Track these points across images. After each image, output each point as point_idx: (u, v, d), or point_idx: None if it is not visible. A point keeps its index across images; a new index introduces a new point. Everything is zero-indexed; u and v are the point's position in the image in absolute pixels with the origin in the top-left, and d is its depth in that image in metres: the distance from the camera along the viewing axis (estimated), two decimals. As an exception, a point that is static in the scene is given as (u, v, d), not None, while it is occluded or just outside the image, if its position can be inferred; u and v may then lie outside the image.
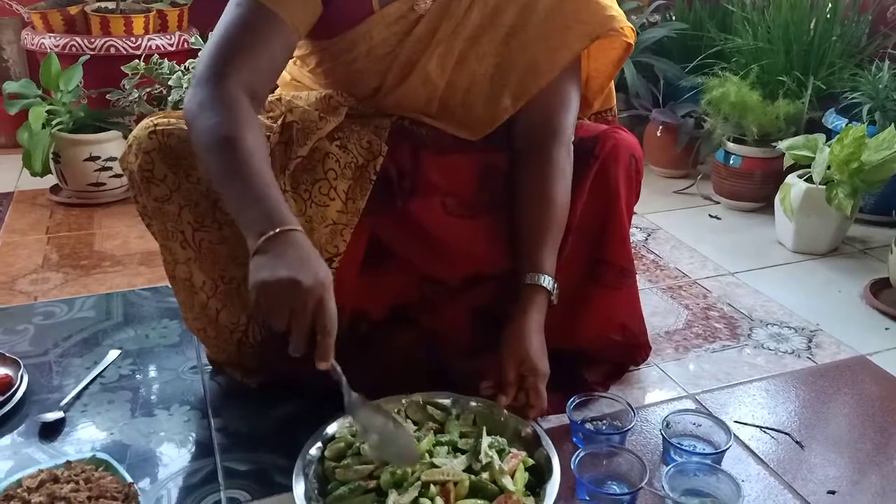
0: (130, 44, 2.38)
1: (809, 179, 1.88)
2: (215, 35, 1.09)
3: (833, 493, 1.11)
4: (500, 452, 1.04)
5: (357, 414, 1.02)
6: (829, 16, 2.22)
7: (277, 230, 0.94)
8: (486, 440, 1.05)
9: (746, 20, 2.37)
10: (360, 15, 1.17)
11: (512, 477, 1.01)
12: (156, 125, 1.12)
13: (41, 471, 1.04)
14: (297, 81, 1.32)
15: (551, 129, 1.23)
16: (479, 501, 0.97)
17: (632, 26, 1.24)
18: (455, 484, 0.98)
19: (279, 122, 1.18)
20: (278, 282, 0.90)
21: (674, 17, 2.67)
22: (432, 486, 0.97)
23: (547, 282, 1.17)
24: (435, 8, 1.18)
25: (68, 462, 1.06)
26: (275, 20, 1.08)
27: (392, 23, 1.17)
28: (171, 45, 2.45)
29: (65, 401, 1.26)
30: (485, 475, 1.00)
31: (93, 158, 2.10)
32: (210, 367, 1.36)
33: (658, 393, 1.35)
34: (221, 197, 1.03)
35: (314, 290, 0.91)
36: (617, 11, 1.22)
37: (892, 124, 1.82)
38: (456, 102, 1.25)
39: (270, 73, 1.13)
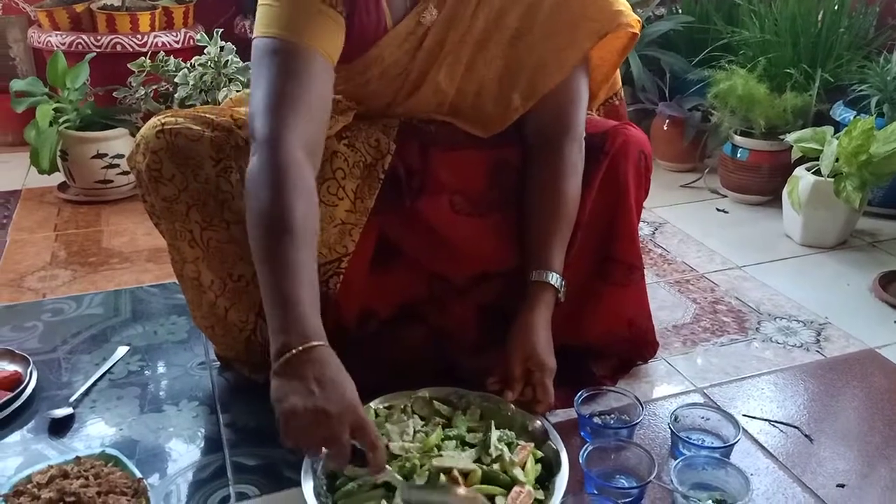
0: (136, 41, 2.38)
1: (817, 172, 1.87)
2: (260, 90, 1.03)
3: (842, 486, 1.11)
4: (509, 445, 1.04)
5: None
6: (836, 8, 2.20)
7: (304, 347, 0.90)
8: (495, 433, 1.05)
9: (753, 12, 2.36)
10: (375, 35, 1.15)
11: (522, 469, 1.01)
12: (163, 124, 1.12)
13: (51, 466, 1.04)
14: None
15: (562, 125, 1.23)
16: (493, 488, 0.97)
17: (638, 18, 1.23)
18: (466, 476, 0.98)
19: None
20: (305, 411, 0.87)
21: (680, 10, 2.65)
22: (442, 476, 0.97)
23: (555, 279, 1.17)
24: (441, 19, 1.17)
25: (78, 458, 1.07)
26: (314, 57, 1.04)
27: (402, 41, 1.17)
28: (177, 43, 2.45)
29: (74, 397, 1.27)
30: (496, 466, 1.00)
31: (100, 156, 2.11)
32: (218, 363, 1.37)
33: (666, 387, 1.35)
34: (258, 273, 0.97)
35: (344, 416, 0.89)
36: (624, 5, 1.22)
37: (901, 116, 1.81)
38: (466, 106, 1.24)
39: (323, 119, 1.08)
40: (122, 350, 1.41)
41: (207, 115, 1.15)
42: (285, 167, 0.98)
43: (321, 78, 1.06)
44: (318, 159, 1.07)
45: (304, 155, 1.01)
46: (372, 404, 1.12)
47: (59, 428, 1.21)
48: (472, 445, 1.05)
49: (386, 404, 1.13)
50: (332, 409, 0.88)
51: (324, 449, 0.91)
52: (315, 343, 0.91)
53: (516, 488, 0.97)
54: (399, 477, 0.97)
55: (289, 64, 1.03)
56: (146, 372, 1.36)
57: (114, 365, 1.37)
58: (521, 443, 1.05)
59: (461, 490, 0.96)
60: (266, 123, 1.01)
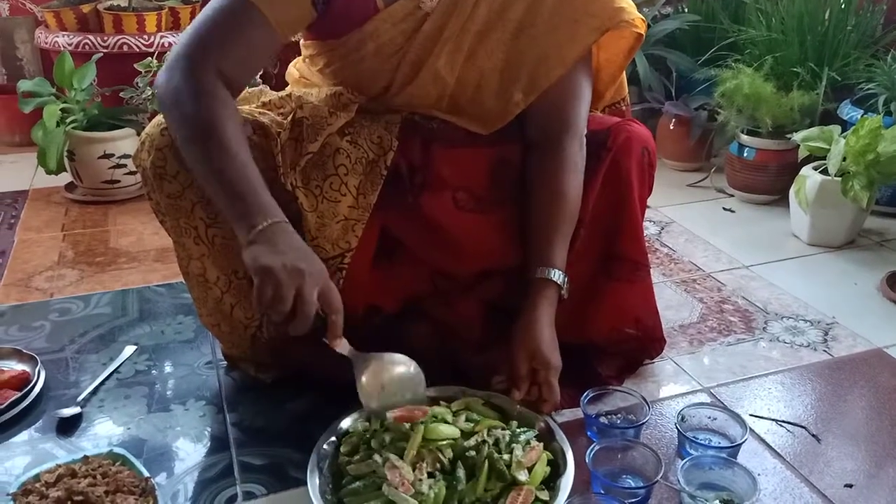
0: (143, 41, 2.39)
1: (825, 171, 1.86)
2: (197, 20, 1.09)
3: (850, 486, 1.11)
4: (518, 441, 1.04)
5: (366, 367, 1.06)
6: (843, 6, 2.19)
7: (269, 221, 0.98)
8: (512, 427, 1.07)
9: (760, 11, 2.35)
10: (364, 15, 1.16)
11: (530, 469, 1.00)
12: (168, 123, 1.13)
13: (59, 465, 1.04)
14: (307, 79, 1.32)
15: (563, 121, 1.23)
16: (487, 484, 0.98)
17: (642, 17, 1.23)
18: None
19: (289, 118, 1.18)
20: (283, 267, 0.95)
21: (686, 9, 2.65)
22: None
23: (557, 276, 1.17)
24: (442, 5, 1.17)
25: (85, 457, 1.07)
26: (258, 16, 1.08)
27: (399, 21, 1.17)
28: (184, 43, 2.45)
29: (81, 396, 1.27)
30: (506, 457, 1.00)
31: (107, 156, 2.12)
32: (225, 362, 1.37)
33: (673, 387, 1.34)
34: (204, 186, 1.05)
35: (318, 275, 0.98)
36: (626, 2, 1.21)
37: (909, 115, 1.80)
38: (466, 98, 1.24)
39: (248, 65, 1.13)
40: (129, 349, 1.41)
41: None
42: (206, 90, 1.04)
43: (258, 36, 1.09)
44: (235, 95, 1.11)
45: (222, 86, 1.06)
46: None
47: (67, 427, 1.21)
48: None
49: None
50: (306, 267, 0.96)
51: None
52: (279, 219, 1.00)
53: (513, 493, 0.97)
54: (354, 350, 1.05)
55: (231, 7, 1.08)
56: (153, 371, 1.36)
57: (121, 364, 1.37)
58: (534, 442, 1.05)
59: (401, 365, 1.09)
60: (190, 46, 1.06)
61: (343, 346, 1.04)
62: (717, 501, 1.02)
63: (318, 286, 0.97)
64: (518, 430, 1.06)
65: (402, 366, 1.10)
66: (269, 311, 0.96)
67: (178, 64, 1.05)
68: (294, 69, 1.37)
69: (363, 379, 1.05)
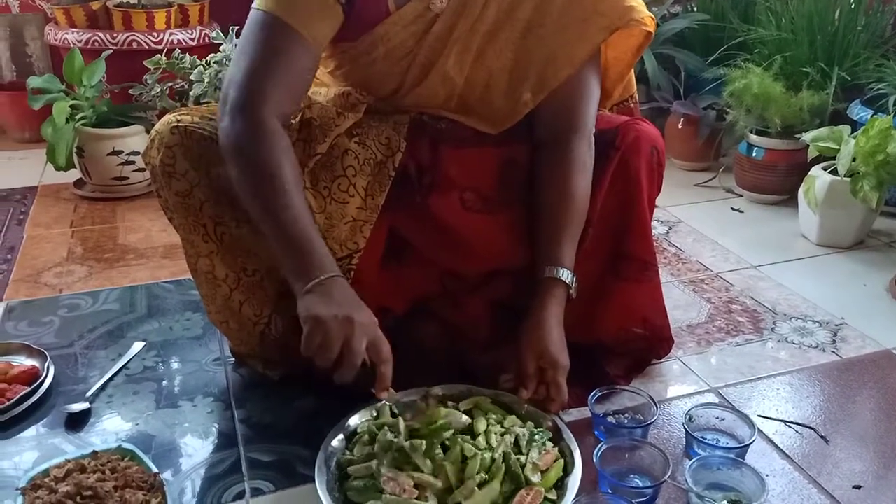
0: (152, 38, 2.39)
1: (834, 171, 1.85)
2: (242, 60, 1.09)
3: (859, 487, 1.10)
4: (538, 444, 1.04)
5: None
6: (853, 6, 2.18)
7: (326, 276, 1.02)
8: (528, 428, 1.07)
9: (770, 10, 2.34)
10: (376, 17, 1.16)
11: (543, 472, 1.00)
12: (178, 121, 1.13)
13: (68, 461, 1.05)
14: (317, 79, 1.32)
15: (572, 121, 1.23)
16: (496, 486, 0.97)
17: (651, 15, 1.22)
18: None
19: (297, 118, 1.19)
20: (334, 317, 0.98)
21: (695, 8, 2.64)
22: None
23: (566, 275, 1.17)
24: (451, 6, 1.17)
25: (94, 452, 1.08)
26: (300, 40, 1.09)
27: (409, 23, 1.17)
28: (193, 40, 2.46)
29: (90, 392, 1.28)
30: (522, 458, 1.01)
31: (116, 153, 2.12)
32: (233, 359, 1.37)
33: (680, 387, 1.34)
34: (263, 231, 1.07)
35: (368, 326, 1.01)
36: (636, 1, 1.21)
37: (919, 115, 1.79)
38: (475, 98, 1.24)
39: (300, 92, 1.15)
40: (137, 346, 1.42)
41: (222, 114, 1.15)
42: (266, 128, 1.06)
43: (304, 60, 1.12)
44: (289, 127, 1.14)
45: (281, 126, 1.09)
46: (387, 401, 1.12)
47: (76, 422, 1.22)
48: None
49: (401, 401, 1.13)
50: (356, 317, 0.99)
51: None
52: (336, 274, 1.04)
53: (523, 492, 0.97)
54: (400, 401, 1.07)
55: (276, 41, 1.09)
56: (162, 368, 1.37)
57: (130, 360, 1.38)
58: (549, 446, 1.05)
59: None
60: (244, 91, 1.07)
61: (390, 398, 1.06)
62: (725, 502, 1.02)
63: (367, 337, 1.00)
64: (535, 431, 1.06)
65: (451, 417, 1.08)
66: (316, 358, 0.98)
67: (238, 111, 1.06)
68: None
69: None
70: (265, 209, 1.05)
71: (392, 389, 1.04)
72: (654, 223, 1.94)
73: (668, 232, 2.00)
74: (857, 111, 2.06)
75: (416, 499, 0.94)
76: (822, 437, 1.21)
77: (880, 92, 2.02)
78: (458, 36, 1.18)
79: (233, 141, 1.06)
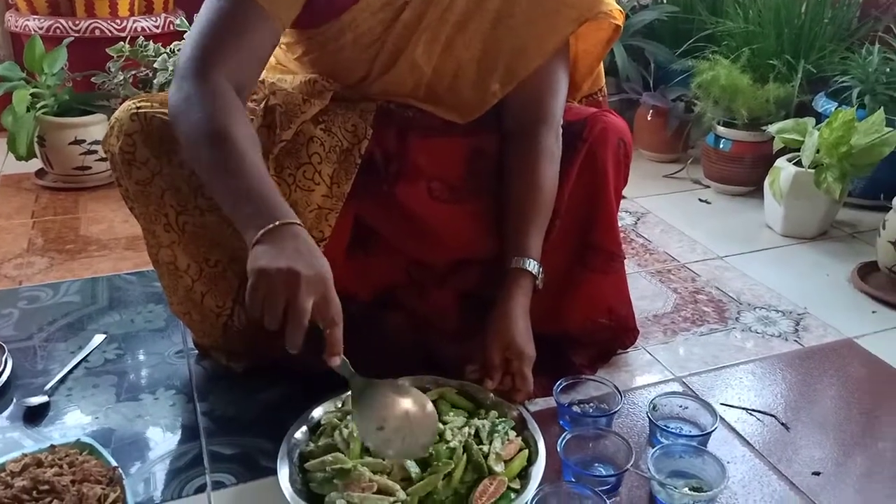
0: (115, 26, 2.35)
1: (799, 163, 1.88)
2: (198, 27, 1.06)
3: (818, 474, 1.12)
4: (500, 433, 1.04)
5: (369, 399, 0.99)
6: (819, -1, 2.21)
7: (277, 223, 0.92)
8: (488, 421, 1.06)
9: (737, 3, 2.36)
10: (345, 3, 1.14)
11: (507, 462, 1.01)
12: (138, 108, 1.10)
13: (25, 455, 1.03)
14: (283, 66, 1.31)
15: (539, 112, 1.23)
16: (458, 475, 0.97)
17: (620, 8, 1.23)
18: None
19: (262, 105, 1.17)
20: (278, 271, 0.88)
21: (665, 0, 2.65)
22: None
23: (532, 266, 1.17)
24: None
25: (52, 446, 1.05)
26: (259, 12, 1.05)
27: (377, 10, 1.16)
28: (157, 28, 2.42)
29: (49, 385, 1.25)
30: (485, 448, 1.00)
31: (78, 142, 2.08)
32: (196, 351, 1.36)
33: (645, 376, 1.35)
34: (213, 193, 1.01)
35: (314, 281, 0.89)
36: (605, -7, 1.21)
37: (882, 108, 1.81)
38: (443, 88, 1.24)
39: (255, 65, 1.10)
40: (98, 338, 1.39)
41: (183, 100, 1.13)
42: (216, 94, 1.00)
43: (262, 33, 1.07)
44: (246, 99, 1.08)
45: (232, 90, 1.02)
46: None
47: (35, 416, 1.19)
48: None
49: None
50: (303, 270, 0.88)
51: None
52: (290, 221, 0.94)
53: (486, 481, 0.97)
54: (351, 369, 0.98)
55: (230, 9, 1.05)
56: (123, 360, 1.35)
57: (90, 353, 1.35)
58: (512, 437, 1.05)
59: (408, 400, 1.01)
60: (194, 57, 1.02)
61: (341, 367, 0.96)
62: (687, 489, 1.03)
63: (315, 294, 0.89)
64: (498, 421, 1.06)
65: (409, 401, 1.01)
66: (262, 317, 0.89)
67: (186, 73, 1.02)
68: (271, 56, 1.35)
69: (360, 410, 0.98)
70: (216, 166, 0.97)
71: (344, 357, 0.95)
72: (622, 214, 1.96)
73: (636, 223, 2.01)
74: (822, 103, 2.09)
75: (377, 493, 0.94)
76: (782, 424, 1.23)
77: (845, 84, 2.05)
78: (427, 24, 1.17)
79: (179, 102, 1.00)
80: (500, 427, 1.05)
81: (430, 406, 1.01)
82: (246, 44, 1.05)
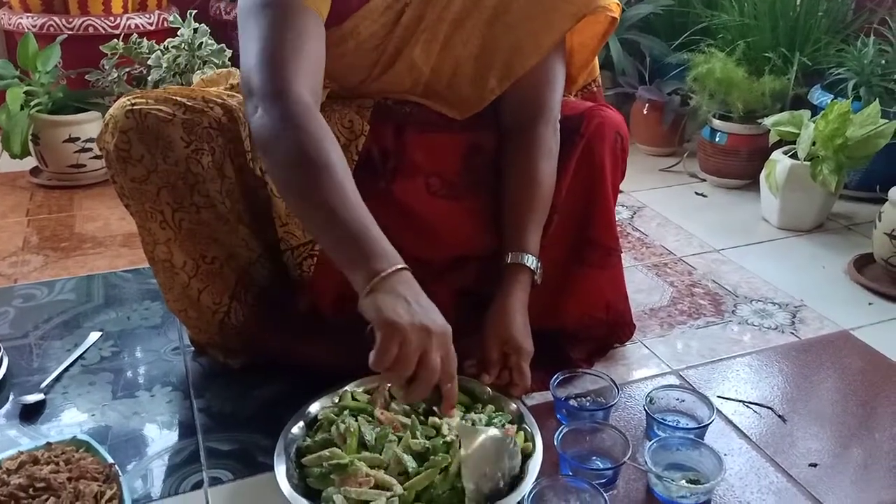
0: (109, 23, 2.34)
1: (794, 156, 1.88)
2: (256, 43, 1.00)
3: (815, 465, 1.12)
4: (497, 426, 1.04)
5: (474, 446, 0.96)
6: (814, -9, 2.20)
7: (393, 269, 0.90)
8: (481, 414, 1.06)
9: (732, -4, 2.35)
10: (348, 10, 1.13)
11: None
12: (133, 104, 1.10)
13: (21, 452, 1.03)
14: None
15: (537, 107, 1.22)
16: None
17: (617, 1, 1.22)
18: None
19: None
20: (412, 327, 0.86)
21: (660, -6, 2.64)
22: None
23: (530, 261, 1.17)
24: None
25: (48, 443, 1.05)
26: (308, 12, 1.02)
27: (380, 15, 1.15)
28: (151, 25, 2.41)
29: (45, 383, 1.25)
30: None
31: (72, 140, 2.08)
32: (192, 348, 1.35)
33: (642, 369, 1.35)
34: (310, 225, 0.97)
35: (443, 337, 0.90)
36: (601, -13, 1.21)
37: (877, 100, 1.82)
38: (441, 86, 1.23)
39: (322, 67, 1.05)
40: (94, 336, 1.39)
41: (178, 97, 1.13)
42: (302, 112, 0.95)
43: (316, 33, 1.03)
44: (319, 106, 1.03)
45: (311, 101, 0.98)
46: (349, 387, 1.11)
47: (31, 414, 1.19)
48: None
49: (363, 388, 1.12)
50: (434, 328, 0.88)
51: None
52: (402, 266, 0.91)
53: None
54: (463, 424, 0.99)
55: (285, 15, 1.00)
56: (119, 358, 1.34)
57: (86, 351, 1.35)
58: (509, 425, 1.05)
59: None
60: (269, 75, 0.97)
61: (455, 420, 0.98)
62: (684, 481, 1.03)
63: (441, 351, 0.89)
64: (494, 415, 1.06)
65: (505, 452, 0.98)
66: (389, 373, 0.88)
67: (265, 94, 0.96)
68: None
69: (469, 460, 0.95)
70: (315, 202, 0.92)
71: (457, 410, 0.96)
72: (618, 208, 1.96)
73: (632, 217, 2.01)
74: (818, 96, 2.09)
75: (374, 487, 0.94)
76: (779, 416, 1.23)
77: (840, 77, 2.05)
78: (427, 25, 1.17)
79: (270, 130, 0.95)
80: (496, 420, 1.05)
81: (515, 446, 1.00)
82: (310, 48, 1.01)
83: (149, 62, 2.04)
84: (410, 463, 0.97)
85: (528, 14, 1.19)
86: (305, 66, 0.99)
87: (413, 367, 0.87)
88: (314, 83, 1.01)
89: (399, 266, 0.91)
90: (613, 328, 1.36)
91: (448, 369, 0.91)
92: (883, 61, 2.02)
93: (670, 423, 1.15)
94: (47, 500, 0.94)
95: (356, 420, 1.02)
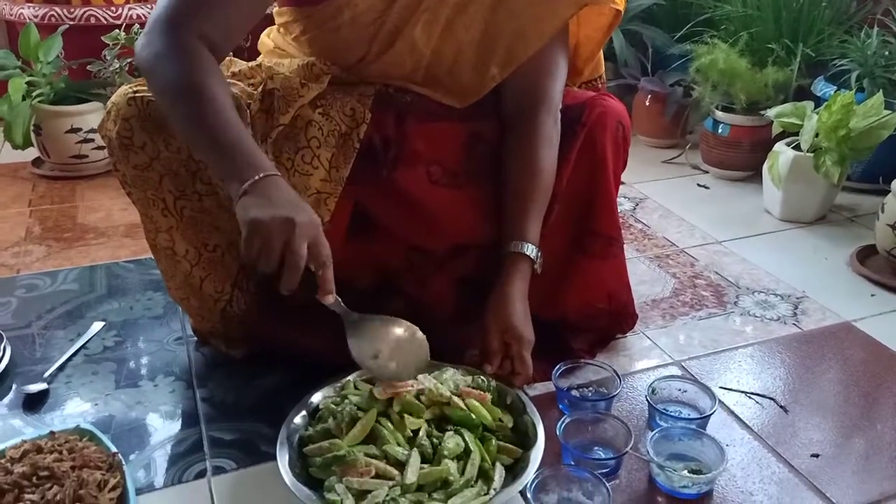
0: (110, 13, 2.33)
1: (797, 147, 1.87)
2: None
3: (817, 456, 1.12)
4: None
5: (364, 331, 1.04)
6: (818, -18, 2.19)
7: (262, 175, 0.95)
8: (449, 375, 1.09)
9: (736, -14, 2.34)
10: None
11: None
12: (135, 92, 1.10)
13: (24, 441, 1.03)
14: (281, 49, 1.30)
15: (538, 96, 1.22)
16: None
17: (621, -6, 1.22)
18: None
19: (260, 89, 1.16)
20: (272, 219, 0.91)
21: (663, -15, 2.63)
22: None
23: (531, 251, 1.17)
24: None
25: (52, 433, 1.05)
26: None
27: None
28: (153, 15, 2.40)
29: (48, 372, 1.25)
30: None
31: (74, 130, 2.07)
32: (195, 338, 1.36)
33: (644, 360, 1.35)
34: (193, 147, 1.03)
35: (309, 226, 0.94)
36: (604, -23, 1.20)
37: (881, 91, 1.81)
38: (442, 71, 1.23)
39: (234, 27, 1.08)
40: (97, 326, 1.39)
41: (180, 85, 1.12)
42: (188, 50, 1.00)
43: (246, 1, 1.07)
44: (220, 60, 1.08)
45: (205, 48, 1.02)
46: (351, 377, 1.11)
47: (34, 403, 1.20)
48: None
49: (365, 378, 1.12)
50: (296, 217, 0.92)
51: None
52: (272, 173, 0.97)
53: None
54: (343, 305, 1.02)
55: None
56: (122, 347, 1.35)
57: (89, 340, 1.35)
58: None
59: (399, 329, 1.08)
60: (168, 12, 1.02)
61: (335, 304, 1.01)
62: (686, 471, 1.03)
63: (308, 238, 0.93)
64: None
65: (400, 329, 1.09)
66: (258, 265, 0.93)
67: (157, 27, 1.01)
68: (268, 39, 1.34)
69: (356, 342, 1.04)
70: (194, 121, 0.98)
71: (336, 295, 1.00)
72: (620, 199, 1.96)
73: (634, 208, 2.01)
74: (821, 87, 2.08)
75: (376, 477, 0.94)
76: (781, 407, 1.23)
77: (843, 68, 2.04)
78: (428, 5, 1.17)
79: (150, 57, 1.01)
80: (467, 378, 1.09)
81: (419, 333, 1.09)
82: (226, 2, 1.04)
83: (150, 52, 2.03)
84: (402, 453, 0.97)
85: (531, 1, 1.18)
86: (211, 15, 1.03)
87: (277, 253, 0.91)
88: (216, 34, 1.04)
89: (267, 173, 0.96)
90: (615, 318, 1.36)
91: (316, 255, 0.95)
92: (886, 52, 2.01)
93: (672, 414, 1.15)
94: (51, 488, 0.94)
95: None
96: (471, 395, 1.05)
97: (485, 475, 0.98)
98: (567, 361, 1.23)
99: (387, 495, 0.92)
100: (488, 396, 1.06)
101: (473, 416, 1.02)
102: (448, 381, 1.07)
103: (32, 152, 2.14)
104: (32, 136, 2.07)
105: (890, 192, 1.63)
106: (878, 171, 2.00)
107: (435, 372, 1.09)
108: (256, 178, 0.94)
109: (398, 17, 1.17)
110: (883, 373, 1.32)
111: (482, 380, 1.10)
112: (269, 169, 0.97)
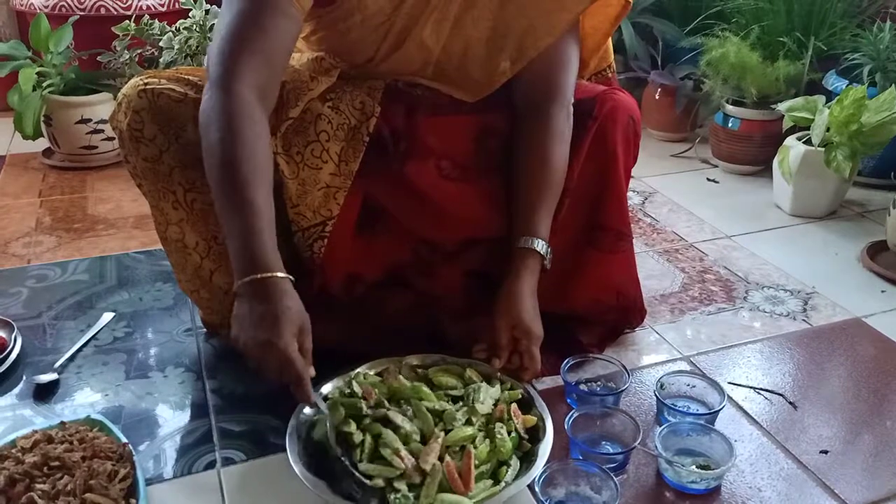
0: (121, 4, 2.33)
1: (808, 142, 1.86)
2: (221, 30, 1.03)
3: (826, 452, 1.12)
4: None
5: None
6: (831, -25, 2.18)
7: (258, 276, 0.96)
8: (483, 391, 1.07)
9: (747, -21, 2.33)
10: None
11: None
12: (146, 84, 1.10)
13: (35, 431, 1.03)
14: None
15: (550, 90, 1.21)
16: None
17: (630, -15, 1.21)
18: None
19: None
20: (255, 344, 0.94)
21: (674, -23, 2.62)
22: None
23: (540, 246, 1.16)
24: None
25: (62, 423, 1.06)
26: (280, 9, 1.03)
27: None
28: (163, 6, 2.40)
29: (59, 363, 1.26)
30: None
31: (84, 121, 2.08)
32: (204, 329, 1.36)
33: (653, 355, 1.35)
34: (217, 214, 1.03)
35: (280, 349, 0.94)
36: (615, -31, 1.20)
37: (893, 85, 1.79)
38: (452, 67, 1.23)
39: (280, 66, 1.08)
40: (107, 316, 1.40)
41: (191, 77, 1.13)
42: (235, 111, 1.00)
43: (286, 29, 1.06)
44: (270, 103, 1.08)
45: (255, 97, 1.02)
46: (360, 369, 1.12)
47: (44, 393, 1.20)
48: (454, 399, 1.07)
49: (375, 370, 1.13)
50: (277, 341, 0.94)
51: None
52: (269, 274, 0.96)
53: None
54: (324, 403, 1.02)
55: (252, 9, 1.03)
56: (132, 338, 1.35)
57: (99, 331, 1.36)
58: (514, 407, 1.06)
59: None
60: (220, 64, 1.01)
61: (316, 411, 1.03)
62: (694, 467, 1.03)
63: (278, 362, 0.94)
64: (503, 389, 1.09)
65: None
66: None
67: (214, 84, 1.01)
68: None
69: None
70: (220, 195, 0.99)
71: (318, 399, 1.00)
72: (630, 194, 1.95)
73: (643, 202, 2.00)
74: (833, 81, 2.07)
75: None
76: (790, 403, 1.23)
77: (855, 62, 2.03)
78: (437, 4, 1.16)
79: (206, 111, 1.01)
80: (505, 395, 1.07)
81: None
82: (271, 45, 1.04)
83: (160, 44, 2.03)
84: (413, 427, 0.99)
85: None
86: (259, 62, 1.02)
87: (273, 372, 0.96)
88: (266, 79, 1.04)
89: (264, 275, 0.96)
90: (624, 313, 1.36)
91: (288, 377, 0.96)
92: (899, 47, 1.99)
93: (681, 409, 1.15)
94: (61, 478, 0.95)
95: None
96: (517, 416, 1.05)
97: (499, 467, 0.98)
98: (575, 356, 1.23)
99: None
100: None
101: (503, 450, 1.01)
102: (486, 401, 1.05)
103: (43, 143, 2.15)
104: (43, 126, 2.08)
105: (902, 187, 1.62)
106: (890, 166, 1.99)
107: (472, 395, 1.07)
108: (252, 278, 0.95)
109: (407, 17, 1.17)
110: (893, 369, 1.32)
111: (511, 387, 1.10)
112: (269, 269, 0.96)
